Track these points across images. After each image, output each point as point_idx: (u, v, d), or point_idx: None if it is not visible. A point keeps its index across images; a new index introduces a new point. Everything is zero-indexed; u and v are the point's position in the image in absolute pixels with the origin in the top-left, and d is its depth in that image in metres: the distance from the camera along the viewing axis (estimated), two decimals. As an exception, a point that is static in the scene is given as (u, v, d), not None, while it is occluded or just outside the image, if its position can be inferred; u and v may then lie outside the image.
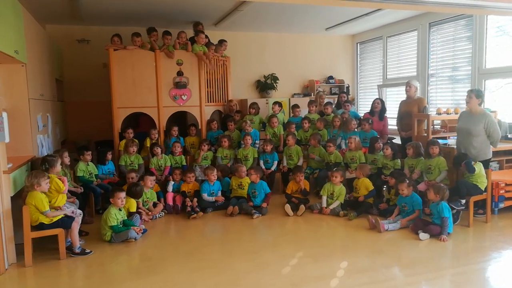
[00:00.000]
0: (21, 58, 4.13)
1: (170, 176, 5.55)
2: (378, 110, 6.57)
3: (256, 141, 6.39)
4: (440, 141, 5.25)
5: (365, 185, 5.14)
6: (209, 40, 6.98)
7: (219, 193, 5.38)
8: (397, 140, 6.51)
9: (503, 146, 5.34)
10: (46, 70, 5.53)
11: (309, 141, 6.19)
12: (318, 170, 5.92)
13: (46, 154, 4.62)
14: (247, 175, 5.39)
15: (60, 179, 4.02)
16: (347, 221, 4.77)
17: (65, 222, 3.85)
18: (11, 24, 3.89)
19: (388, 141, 6.17)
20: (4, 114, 3.73)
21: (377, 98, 6.78)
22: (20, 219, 3.60)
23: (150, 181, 5.06)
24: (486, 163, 4.79)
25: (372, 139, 5.78)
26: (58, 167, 4.18)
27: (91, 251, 3.92)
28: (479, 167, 4.55)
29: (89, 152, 5.35)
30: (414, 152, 5.14)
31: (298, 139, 6.39)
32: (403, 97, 6.43)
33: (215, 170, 5.40)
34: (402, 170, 5.21)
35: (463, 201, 4.50)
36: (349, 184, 5.48)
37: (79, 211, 4.09)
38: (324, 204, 5.07)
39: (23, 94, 4.30)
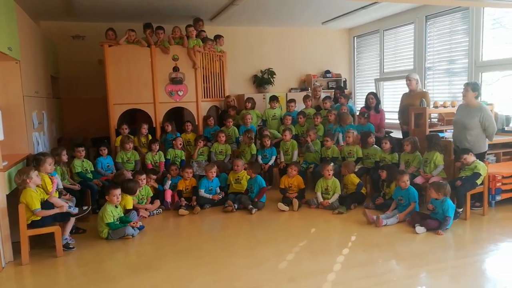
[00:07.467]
0: (14, 55, 4.10)
1: (168, 174, 5.52)
2: (374, 105, 6.55)
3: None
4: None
5: (351, 181, 5.16)
6: (206, 35, 6.95)
7: (218, 190, 5.36)
8: (396, 134, 6.50)
9: (500, 138, 5.34)
10: (41, 67, 5.49)
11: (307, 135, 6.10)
12: (314, 164, 5.90)
13: (41, 151, 4.59)
14: (244, 170, 5.39)
15: (50, 179, 3.99)
16: (344, 215, 4.77)
17: (63, 216, 3.84)
18: (4, 21, 3.85)
19: (387, 135, 6.16)
20: (-2, 112, 3.71)
21: (370, 93, 6.65)
22: (16, 217, 3.59)
23: (141, 180, 4.96)
24: (481, 156, 4.79)
25: (364, 134, 5.74)
26: (48, 167, 4.05)
27: (73, 247, 3.92)
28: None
29: (82, 149, 5.25)
30: (412, 148, 5.13)
31: (295, 134, 6.37)
32: (401, 90, 6.40)
33: (215, 167, 5.38)
34: (397, 164, 5.20)
35: (460, 210, 4.49)
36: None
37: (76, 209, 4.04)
38: (321, 199, 5.08)
39: (17, 91, 4.26)
